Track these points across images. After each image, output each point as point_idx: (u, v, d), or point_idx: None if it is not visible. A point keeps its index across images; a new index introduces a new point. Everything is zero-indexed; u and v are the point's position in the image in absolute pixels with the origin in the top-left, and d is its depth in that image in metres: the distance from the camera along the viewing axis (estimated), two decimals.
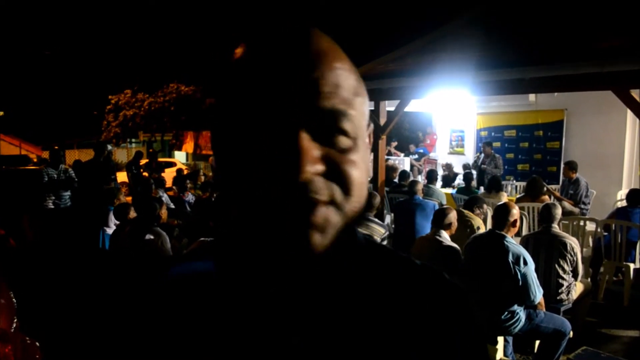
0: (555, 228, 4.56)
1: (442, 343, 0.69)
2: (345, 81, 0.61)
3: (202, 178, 11.91)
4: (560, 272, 4.38)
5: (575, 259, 4.41)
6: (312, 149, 0.57)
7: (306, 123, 0.58)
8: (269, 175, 0.57)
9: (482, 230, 5.10)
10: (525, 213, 6.61)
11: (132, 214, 5.40)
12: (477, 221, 5.26)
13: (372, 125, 0.69)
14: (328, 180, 0.58)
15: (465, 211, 5.45)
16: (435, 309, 0.71)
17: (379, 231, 5.04)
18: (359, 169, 0.61)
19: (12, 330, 2.68)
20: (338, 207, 0.60)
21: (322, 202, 0.58)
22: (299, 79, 0.58)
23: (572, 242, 4.44)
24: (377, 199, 5.28)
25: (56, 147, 9.83)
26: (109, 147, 10.65)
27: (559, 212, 4.64)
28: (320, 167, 0.58)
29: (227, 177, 0.62)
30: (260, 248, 0.62)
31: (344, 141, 0.60)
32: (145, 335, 0.67)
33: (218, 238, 0.75)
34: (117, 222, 5.49)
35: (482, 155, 10.47)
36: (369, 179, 0.68)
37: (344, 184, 0.60)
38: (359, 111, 0.62)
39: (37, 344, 2.89)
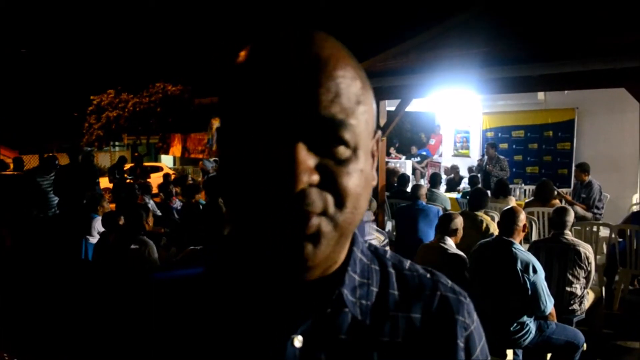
0: (568, 235, 4.53)
1: (444, 349, 0.72)
2: (346, 89, 0.62)
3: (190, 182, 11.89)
4: (574, 281, 4.38)
5: (589, 268, 4.41)
6: (307, 160, 0.59)
7: (304, 132, 0.60)
8: (265, 184, 0.60)
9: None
10: (535, 218, 6.62)
11: (122, 221, 5.40)
12: (493, 226, 5.26)
13: (379, 133, 0.70)
14: (323, 191, 0.60)
15: (479, 213, 5.47)
16: (435, 314, 0.74)
17: (377, 238, 5.05)
18: (357, 180, 0.63)
19: None
20: (331, 218, 0.61)
21: (314, 213, 0.60)
22: (297, 88, 0.60)
23: (587, 250, 4.43)
24: (374, 204, 5.30)
25: (49, 154, 9.89)
26: (88, 149, 10.62)
27: (571, 217, 4.62)
28: (315, 178, 0.59)
29: (228, 182, 0.64)
30: (256, 255, 0.65)
31: (342, 151, 0.62)
32: (132, 341, 0.70)
33: (214, 244, 0.77)
34: (101, 231, 5.48)
35: (486, 157, 10.45)
36: (373, 186, 0.70)
37: (339, 195, 0.61)
38: (361, 120, 0.63)
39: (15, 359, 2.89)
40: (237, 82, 0.63)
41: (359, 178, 0.63)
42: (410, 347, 0.70)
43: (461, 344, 0.73)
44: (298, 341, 0.65)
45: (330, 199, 0.61)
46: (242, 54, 0.64)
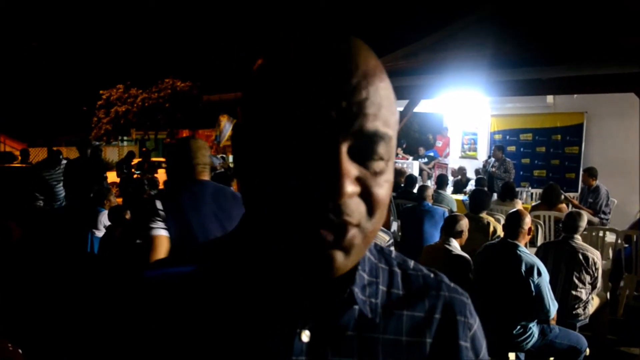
0: (578, 239, 4.54)
1: (447, 348, 0.73)
2: (386, 101, 0.62)
3: None
4: (579, 285, 4.38)
5: (596, 274, 4.41)
6: (352, 170, 0.59)
7: (349, 142, 0.59)
8: (304, 189, 0.59)
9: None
10: (541, 222, 6.61)
11: (128, 216, 5.42)
12: (500, 229, 5.25)
13: (393, 139, 0.70)
14: (359, 202, 0.61)
15: (483, 215, 5.47)
16: (439, 314, 0.75)
17: (382, 238, 5.04)
18: (387, 190, 0.63)
19: None
20: (362, 228, 0.62)
21: (352, 224, 0.60)
22: (346, 98, 0.59)
23: (595, 256, 4.43)
24: None
25: (55, 149, 10.02)
26: (96, 143, 10.68)
27: (584, 223, 4.61)
28: (357, 189, 0.60)
29: (253, 181, 0.63)
30: (278, 258, 0.64)
31: (378, 164, 0.62)
32: (130, 337, 0.70)
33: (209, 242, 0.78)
34: (107, 225, 5.50)
35: (492, 159, 10.44)
36: None
37: (372, 206, 0.62)
38: (395, 131, 0.64)
39: (20, 351, 2.91)
40: (280, 81, 0.61)
41: (389, 188, 0.64)
42: (413, 345, 0.71)
43: (465, 344, 0.74)
44: (305, 336, 0.66)
45: (364, 209, 0.61)
46: (287, 51, 0.63)
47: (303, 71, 0.60)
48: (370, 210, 0.62)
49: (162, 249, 2.56)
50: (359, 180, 0.60)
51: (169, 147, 3.71)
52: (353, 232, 0.60)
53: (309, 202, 0.58)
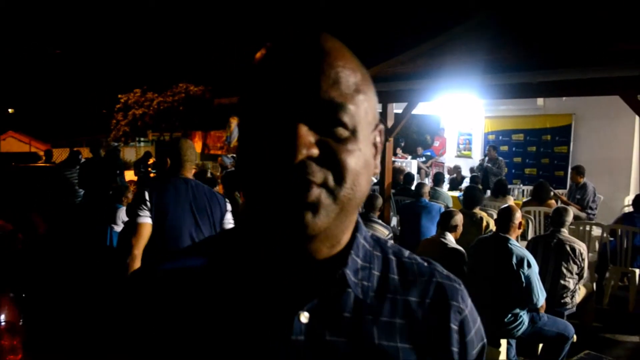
0: (565, 232, 4.57)
1: (438, 330, 0.74)
2: (345, 78, 0.65)
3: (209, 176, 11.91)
4: (567, 275, 4.38)
5: (583, 264, 4.42)
6: (307, 136, 0.62)
7: (306, 114, 0.62)
8: (271, 159, 0.62)
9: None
10: (532, 217, 6.60)
11: None
12: (492, 223, 5.25)
13: (381, 126, 0.72)
14: (323, 165, 0.62)
15: (476, 211, 5.47)
16: (431, 298, 0.75)
17: (382, 232, 5.06)
18: (356, 159, 0.65)
19: (20, 323, 2.73)
20: (331, 191, 0.63)
21: (315, 183, 0.62)
22: (300, 75, 0.63)
23: (581, 247, 4.45)
24: (379, 200, 5.29)
25: (75, 149, 10.13)
26: (115, 144, 10.74)
27: (570, 217, 4.64)
28: (314, 151, 0.62)
29: (241, 164, 0.67)
30: (263, 228, 0.68)
31: (341, 132, 0.64)
32: (137, 329, 0.72)
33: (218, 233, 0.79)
34: (125, 220, 5.53)
35: (487, 158, 10.48)
36: (373, 175, 0.71)
37: (338, 170, 0.63)
38: (360, 107, 0.66)
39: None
40: (252, 77, 0.66)
41: (358, 157, 0.65)
42: (407, 327, 0.71)
43: (455, 327, 0.74)
44: (304, 317, 0.67)
45: (330, 173, 0.63)
46: (259, 52, 0.68)
47: (268, 63, 0.65)
48: (339, 175, 0.63)
49: (145, 235, 2.76)
50: (322, 146, 0.63)
51: (162, 145, 3.94)
52: (317, 191, 0.62)
53: (275, 168, 0.62)
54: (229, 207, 3.10)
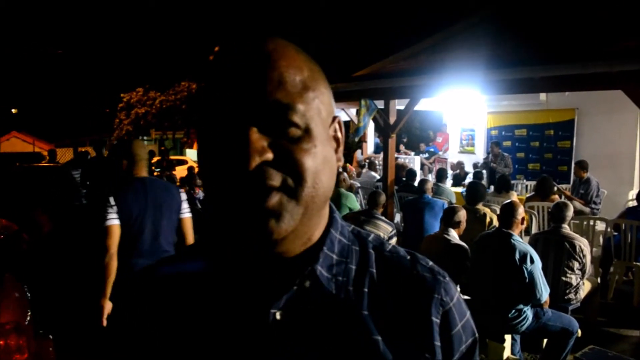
0: (565, 228, 4.52)
1: (418, 323, 0.72)
2: (289, 77, 0.65)
3: None
4: (568, 271, 4.37)
5: (584, 260, 4.39)
6: (259, 140, 0.62)
7: (255, 118, 0.63)
8: (227, 168, 0.62)
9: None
10: (535, 212, 6.59)
11: None
12: (495, 218, 5.24)
13: (338, 118, 0.73)
14: (280, 168, 0.63)
15: (479, 207, 5.46)
16: (411, 292, 0.74)
17: (385, 229, 5.06)
18: (312, 157, 0.65)
19: (26, 322, 2.74)
20: (292, 192, 0.63)
21: (273, 187, 0.62)
22: (245, 79, 0.63)
23: (582, 243, 4.40)
24: (382, 197, 5.28)
25: (82, 150, 10.17)
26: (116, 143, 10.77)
27: (570, 212, 4.59)
28: (269, 155, 0.62)
29: (201, 173, 0.68)
30: (230, 234, 0.69)
31: (293, 131, 0.64)
32: (135, 331, 0.75)
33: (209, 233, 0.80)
34: None
35: (491, 156, 10.45)
36: (338, 170, 0.72)
37: (296, 170, 0.63)
38: (310, 104, 0.66)
39: (50, 336, 2.94)
40: (202, 85, 0.67)
41: (315, 154, 0.65)
42: (386, 320, 0.70)
43: (436, 320, 0.72)
44: (278, 314, 0.67)
45: (288, 175, 0.63)
46: (212, 58, 0.69)
47: (216, 70, 0.66)
48: (298, 176, 0.63)
49: (116, 235, 2.99)
50: (276, 148, 0.63)
51: (114, 148, 4.20)
52: (277, 196, 0.62)
53: (232, 177, 0.62)
54: (183, 196, 3.35)
